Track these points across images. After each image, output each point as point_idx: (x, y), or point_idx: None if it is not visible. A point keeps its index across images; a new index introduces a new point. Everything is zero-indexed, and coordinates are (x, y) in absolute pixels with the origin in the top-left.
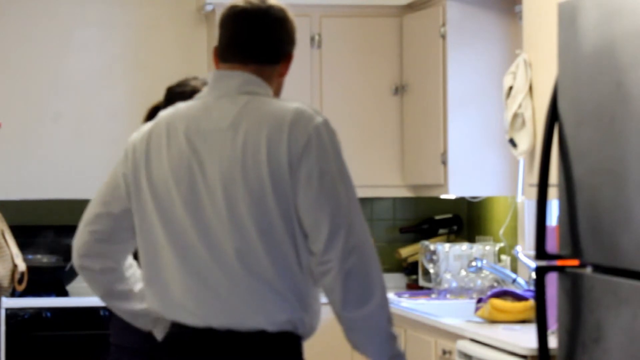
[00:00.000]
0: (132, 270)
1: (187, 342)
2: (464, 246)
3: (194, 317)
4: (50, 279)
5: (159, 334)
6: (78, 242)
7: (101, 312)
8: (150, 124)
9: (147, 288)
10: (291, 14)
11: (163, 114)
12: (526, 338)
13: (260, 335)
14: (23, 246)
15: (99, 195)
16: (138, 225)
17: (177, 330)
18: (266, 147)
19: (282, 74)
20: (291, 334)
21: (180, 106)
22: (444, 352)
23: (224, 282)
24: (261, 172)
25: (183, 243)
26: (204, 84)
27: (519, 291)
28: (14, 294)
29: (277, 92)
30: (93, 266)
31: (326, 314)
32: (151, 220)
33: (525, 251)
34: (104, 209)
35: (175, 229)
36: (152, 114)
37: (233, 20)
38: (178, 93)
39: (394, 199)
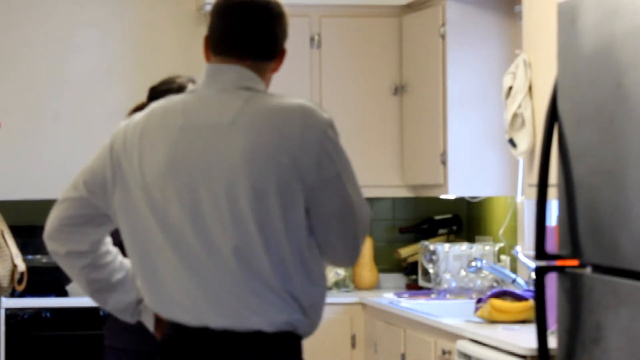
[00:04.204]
0: (111, 258)
1: (184, 343)
2: (463, 246)
3: (189, 315)
4: (50, 279)
5: (150, 324)
6: (47, 225)
7: (101, 313)
8: (142, 115)
9: (142, 284)
10: (286, 8)
11: (156, 105)
12: (526, 338)
13: (257, 335)
14: (23, 246)
15: (76, 178)
16: (124, 219)
17: (174, 331)
18: (274, 145)
19: (275, 69)
20: (290, 334)
21: (175, 99)
22: (444, 352)
23: (221, 281)
24: (267, 170)
25: (179, 241)
26: (190, 81)
27: (518, 291)
28: (13, 294)
29: (266, 88)
30: (59, 249)
31: (327, 314)
32: (143, 216)
33: (524, 251)
34: (76, 193)
35: (170, 226)
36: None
37: (230, 12)
38: (164, 91)
39: (394, 199)
